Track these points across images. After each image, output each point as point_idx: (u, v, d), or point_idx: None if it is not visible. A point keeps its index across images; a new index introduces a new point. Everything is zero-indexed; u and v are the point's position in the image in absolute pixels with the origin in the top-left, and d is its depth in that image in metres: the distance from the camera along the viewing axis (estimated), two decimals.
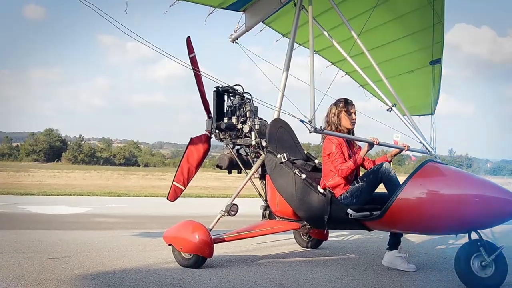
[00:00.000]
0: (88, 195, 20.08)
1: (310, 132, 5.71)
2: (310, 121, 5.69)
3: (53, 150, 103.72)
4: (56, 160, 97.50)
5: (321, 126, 5.87)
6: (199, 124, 7.69)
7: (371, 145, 6.05)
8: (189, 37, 7.39)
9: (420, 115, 11.10)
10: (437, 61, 8.93)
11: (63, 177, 37.44)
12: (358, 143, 6.60)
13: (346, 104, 6.49)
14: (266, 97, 7.44)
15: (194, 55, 7.35)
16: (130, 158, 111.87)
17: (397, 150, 6.35)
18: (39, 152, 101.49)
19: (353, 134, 6.58)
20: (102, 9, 5.12)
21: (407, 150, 6.28)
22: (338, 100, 6.55)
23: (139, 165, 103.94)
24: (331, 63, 10.19)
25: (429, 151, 6.33)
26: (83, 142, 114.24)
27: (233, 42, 8.41)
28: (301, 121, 5.73)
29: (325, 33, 7.38)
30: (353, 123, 6.53)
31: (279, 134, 6.90)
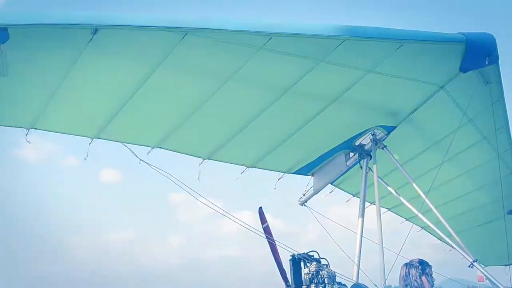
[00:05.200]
0: None
1: None
2: None
3: None
4: None
5: None
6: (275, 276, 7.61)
7: None
8: (261, 207, 7.62)
9: (506, 265, 10.55)
10: None
11: None
12: None
13: (427, 266, 6.36)
14: (343, 259, 7.43)
15: (267, 225, 7.49)
16: None
17: None
18: None
19: None
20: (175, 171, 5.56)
21: None
22: (418, 262, 6.41)
23: None
24: (405, 219, 10.10)
25: None
26: None
27: (302, 205, 8.60)
28: None
29: (393, 191, 7.46)
30: (433, 285, 6.35)
31: None
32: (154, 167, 5.61)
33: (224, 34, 4.99)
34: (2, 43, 4.17)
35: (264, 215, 7.61)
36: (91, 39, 4.58)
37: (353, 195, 9.29)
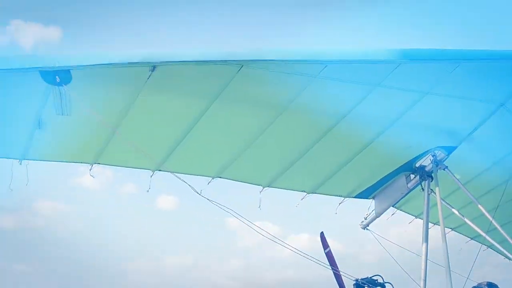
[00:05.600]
0: None
1: None
2: None
3: None
4: None
5: None
6: None
7: None
8: (322, 232, 7.61)
9: None
10: None
11: None
12: None
13: None
14: (406, 280, 7.29)
15: (330, 250, 7.46)
16: None
17: None
18: None
19: None
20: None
21: None
22: (486, 285, 6.25)
23: None
24: (469, 238, 9.82)
25: None
26: None
27: (364, 229, 8.49)
28: None
29: (456, 212, 7.29)
30: None
31: None
32: (212, 201, 5.62)
33: (280, 65, 5.06)
34: (65, 84, 4.36)
35: (326, 240, 7.59)
36: (149, 76, 4.75)
37: (415, 217, 9.11)
